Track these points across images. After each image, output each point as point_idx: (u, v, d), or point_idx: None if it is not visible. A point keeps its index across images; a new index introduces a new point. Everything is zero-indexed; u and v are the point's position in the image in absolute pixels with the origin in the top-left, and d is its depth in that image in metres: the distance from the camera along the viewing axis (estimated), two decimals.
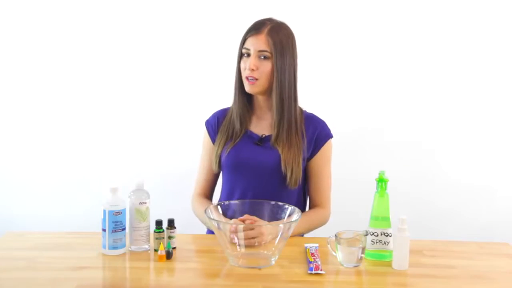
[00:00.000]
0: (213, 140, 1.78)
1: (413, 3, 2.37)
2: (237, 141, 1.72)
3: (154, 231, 1.52)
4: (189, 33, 2.39)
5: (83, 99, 2.44)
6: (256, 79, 1.65)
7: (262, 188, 1.69)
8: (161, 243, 1.48)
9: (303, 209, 1.79)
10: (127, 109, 2.44)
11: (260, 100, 1.73)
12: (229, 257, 1.43)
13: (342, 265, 1.42)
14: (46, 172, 2.47)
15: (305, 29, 2.35)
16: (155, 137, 2.44)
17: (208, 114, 1.84)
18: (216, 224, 1.41)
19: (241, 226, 1.40)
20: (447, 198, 2.44)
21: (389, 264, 1.43)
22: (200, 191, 1.82)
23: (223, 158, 1.73)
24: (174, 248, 1.51)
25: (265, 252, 1.42)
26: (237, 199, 1.71)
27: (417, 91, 2.41)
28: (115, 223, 1.47)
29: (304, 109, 1.78)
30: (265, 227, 1.45)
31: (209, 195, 1.83)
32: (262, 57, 1.64)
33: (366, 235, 1.45)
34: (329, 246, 1.47)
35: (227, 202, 1.57)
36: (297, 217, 1.44)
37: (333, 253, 1.46)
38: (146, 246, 1.52)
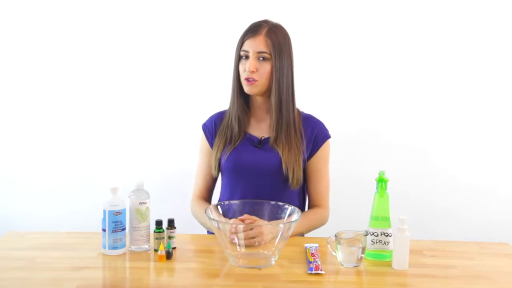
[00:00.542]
0: (211, 143, 1.78)
1: (412, 3, 2.36)
2: (236, 144, 1.72)
3: (154, 231, 1.52)
4: (188, 34, 2.39)
5: (83, 99, 2.44)
6: (256, 80, 1.65)
7: (263, 190, 1.69)
8: (161, 243, 1.48)
9: (303, 209, 1.79)
10: (127, 109, 2.44)
11: (258, 101, 1.74)
12: (229, 257, 1.43)
13: (342, 265, 1.42)
14: (46, 172, 2.47)
15: (305, 29, 2.36)
16: (155, 138, 2.44)
17: (208, 115, 1.84)
18: (216, 224, 1.41)
19: (241, 227, 1.39)
20: (447, 198, 2.44)
21: (389, 264, 1.43)
22: (199, 194, 1.81)
23: (222, 162, 1.73)
24: (174, 248, 1.51)
25: (265, 252, 1.42)
26: (238, 199, 1.71)
27: (417, 91, 2.41)
28: (115, 223, 1.47)
29: (301, 110, 1.79)
30: (265, 226, 1.45)
31: (208, 198, 1.83)
32: (261, 58, 1.65)
33: (366, 235, 1.45)
34: (329, 246, 1.47)
35: (227, 202, 1.57)
36: (297, 217, 1.44)
37: (333, 253, 1.46)
38: (146, 246, 1.52)
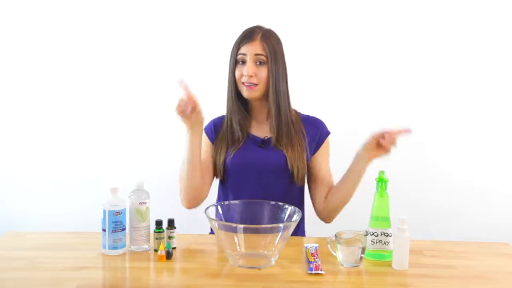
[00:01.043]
0: (211, 138, 1.79)
1: (411, 2, 2.36)
2: (240, 145, 1.73)
3: (154, 231, 1.52)
4: (188, 36, 2.39)
5: (83, 99, 2.44)
6: (256, 85, 1.68)
7: (268, 188, 1.70)
8: (161, 243, 1.48)
9: (302, 209, 1.80)
10: (127, 109, 2.44)
11: (257, 105, 1.76)
12: (229, 257, 1.43)
13: (342, 265, 1.42)
14: (46, 172, 2.47)
15: (305, 30, 2.36)
16: (155, 137, 2.44)
17: (207, 115, 1.84)
18: (216, 224, 1.41)
19: (241, 227, 1.39)
20: (447, 198, 2.44)
21: (389, 264, 1.43)
22: None
23: (228, 162, 1.73)
24: (174, 248, 1.52)
25: (265, 252, 1.42)
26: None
27: (418, 91, 2.41)
28: (115, 223, 1.47)
29: (299, 110, 1.81)
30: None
31: None
32: (258, 62, 1.68)
33: (366, 235, 1.45)
34: (329, 246, 1.47)
35: (227, 202, 1.57)
36: (297, 217, 1.44)
37: (333, 253, 1.46)
38: (146, 246, 1.52)
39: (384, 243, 1.46)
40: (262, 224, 1.52)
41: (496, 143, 2.43)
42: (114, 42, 2.40)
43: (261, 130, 1.77)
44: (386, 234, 1.46)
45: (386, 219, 1.47)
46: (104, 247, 1.49)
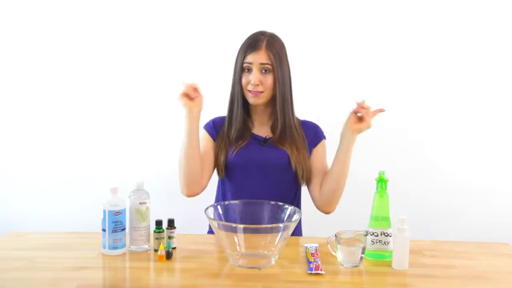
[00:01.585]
0: (211, 134, 1.80)
1: (410, 2, 2.37)
2: (243, 143, 1.75)
3: (154, 231, 1.52)
4: (188, 36, 2.39)
5: (83, 99, 2.44)
6: (262, 92, 1.71)
7: (269, 187, 1.72)
8: (161, 243, 1.48)
9: (299, 206, 1.82)
10: (127, 109, 2.44)
11: (260, 109, 1.78)
12: (229, 257, 1.43)
13: (342, 265, 1.42)
14: (46, 172, 2.47)
15: (305, 30, 2.36)
16: (155, 137, 2.44)
17: (207, 115, 1.84)
18: (216, 224, 1.41)
19: (241, 227, 1.39)
20: (447, 198, 2.44)
21: (389, 264, 1.43)
22: None
23: (230, 159, 1.75)
24: (174, 248, 1.52)
25: (265, 252, 1.42)
26: (244, 198, 1.72)
27: (418, 91, 2.41)
28: (115, 223, 1.47)
29: (295, 114, 1.82)
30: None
31: None
32: (264, 70, 1.70)
33: (366, 235, 1.45)
34: (329, 246, 1.47)
35: (226, 202, 1.57)
36: (297, 217, 1.44)
37: (333, 253, 1.46)
38: (146, 246, 1.52)
39: (384, 243, 1.46)
40: (262, 224, 1.52)
41: (496, 143, 2.43)
42: (114, 43, 2.40)
43: (263, 130, 1.79)
44: (386, 234, 1.46)
45: (386, 219, 1.47)
46: (104, 247, 1.49)
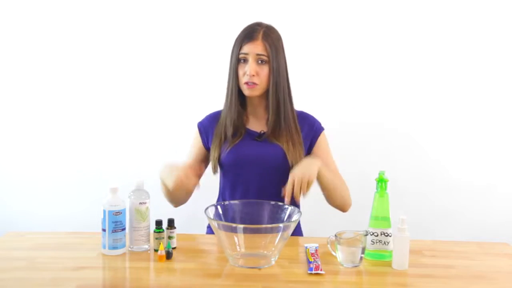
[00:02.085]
0: (203, 140, 1.80)
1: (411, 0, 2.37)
2: (237, 140, 1.74)
3: (154, 231, 1.52)
4: (187, 36, 2.39)
5: (83, 99, 2.44)
6: (257, 84, 1.69)
7: (264, 183, 1.71)
8: (161, 243, 1.48)
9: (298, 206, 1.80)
10: (127, 109, 2.44)
11: (256, 101, 1.77)
12: (229, 257, 1.43)
13: (342, 265, 1.42)
14: (46, 172, 2.47)
15: (307, 29, 2.36)
16: (155, 137, 2.44)
17: (205, 110, 1.84)
18: (216, 224, 1.41)
19: (241, 227, 1.39)
20: (447, 198, 2.44)
21: (389, 264, 1.43)
22: None
23: (223, 157, 1.74)
24: (174, 248, 1.52)
25: (265, 252, 1.42)
26: (240, 196, 1.73)
27: (418, 91, 2.41)
28: (115, 223, 1.47)
29: (295, 107, 1.81)
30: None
31: None
32: (260, 61, 1.69)
33: (366, 235, 1.45)
34: (329, 246, 1.47)
35: (226, 202, 1.57)
36: (297, 217, 1.44)
37: (333, 253, 1.46)
38: (146, 246, 1.52)
39: (384, 243, 1.46)
40: (262, 224, 1.52)
41: (496, 143, 2.43)
42: (114, 42, 2.40)
43: (258, 124, 1.78)
44: (386, 234, 1.46)
45: (386, 219, 1.47)
46: (104, 247, 1.49)
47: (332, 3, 2.37)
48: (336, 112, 2.38)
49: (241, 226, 1.39)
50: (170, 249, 1.47)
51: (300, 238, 1.70)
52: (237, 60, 1.71)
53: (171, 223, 1.53)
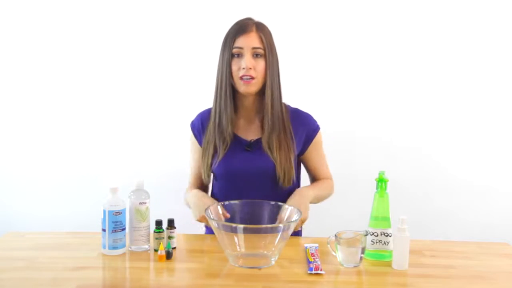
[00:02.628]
0: (200, 142, 1.77)
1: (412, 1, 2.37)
2: (226, 149, 1.69)
3: (154, 231, 1.52)
4: (187, 35, 2.39)
5: (83, 99, 2.44)
6: (254, 78, 1.63)
7: (256, 192, 1.65)
8: (161, 243, 1.48)
9: None
10: (127, 109, 2.44)
11: (249, 101, 1.70)
12: (229, 257, 1.43)
13: (342, 265, 1.42)
14: (46, 172, 2.47)
15: (308, 29, 2.36)
16: (155, 137, 2.44)
17: (196, 109, 1.84)
18: (216, 224, 1.41)
19: (241, 227, 1.39)
20: (447, 198, 2.44)
21: (389, 264, 1.43)
22: (194, 184, 1.82)
23: (214, 168, 1.71)
24: (174, 248, 1.52)
25: (265, 252, 1.42)
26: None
27: (417, 91, 2.41)
28: (115, 223, 1.47)
29: (287, 103, 1.78)
30: None
31: (202, 188, 1.82)
32: (255, 55, 1.64)
33: (366, 235, 1.45)
34: (329, 246, 1.47)
35: (227, 202, 1.56)
36: (297, 217, 1.44)
37: (333, 253, 1.46)
38: (146, 246, 1.52)
39: (384, 243, 1.46)
40: (262, 224, 1.52)
41: (496, 143, 2.43)
42: (114, 42, 2.41)
43: (249, 130, 1.72)
44: (386, 234, 1.46)
45: (386, 219, 1.47)
46: (104, 247, 1.49)
47: (328, 4, 2.38)
48: (336, 112, 2.38)
49: (241, 226, 1.39)
50: (170, 249, 1.47)
51: (300, 238, 1.70)
52: (231, 56, 1.64)
53: (171, 223, 1.53)
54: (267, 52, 1.64)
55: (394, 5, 2.36)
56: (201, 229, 1.87)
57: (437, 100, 2.41)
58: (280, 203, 1.55)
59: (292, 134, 1.72)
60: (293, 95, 1.82)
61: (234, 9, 2.30)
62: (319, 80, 2.40)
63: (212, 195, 1.81)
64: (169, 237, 1.52)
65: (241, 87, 1.65)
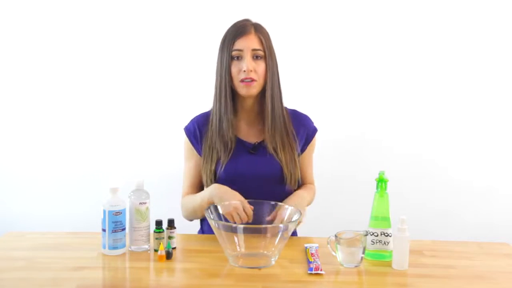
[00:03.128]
0: (197, 149, 1.73)
1: (413, 2, 2.37)
2: (231, 153, 1.66)
3: (154, 231, 1.52)
4: (188, 34, 2.39)
5: (83, 99, 2.44)
6: (255, 80, 1.62)
7: (262, 195, 1.62)
8: (161, 243, 1.48)
9: None
10: (127, 109, 2.44)
11: (249, 104, 1.69)
12: (229, 257, 1.43)
13: (342, 265, 1.42)
14: (46, 172, 2.47)
15: (308, 30, 2.36)
16: (155, 137, 2.44)
17: (193, 112, 1.83)
18: (216, 224, 1.41)
19: (241, 227, 1.39)
20: (447, 198, 2.44)
21: (389, 264, 1.43)
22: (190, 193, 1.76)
23: (219, 173, 1.67)
24: (174, 248, 1.52)
25: (265, 252, 1.42)
26: None
27: (417, 91, 2.41)
28: (115, 223, 1.47)
29: (285, 105, 1.76)
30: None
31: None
32: (255, 56, 1.62)
33: (366, 235, 1.45)
34: (329, 246, 1.47)
35: (227, 203, 1.56)
36: (297, 217, 1.44)
37: (333, 253, 1.46)
38: (146, 246, 1.52)
39: (384, 243, 1.46)
40: (262, 224, 1.52)
41: (496, 143, 2.43)
42: (114, 42, 2.40)
43: (251, 133, 1.71)
44: (386, 234, 1.46)
45: (386, 219, 1.47)
46: (104, 247, 1.49)
47: (327, 4, 2.38)
48: (336, 112, 2.38)
49: (241, 226, 1.39)
50: (170, 249, 1.47)
51: (300, 238, 1.70)
52: (230, 58, 1.62)
53: (171, 223, 1.53)
54: (267, 54, 1.63)
55: (392, 7, 2.36)
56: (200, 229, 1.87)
57: (437, 101, 2.41)
58: (280, 203, 1.55)
59: (294, 134, 1.72)
60: (295, 97, 1.82)
61: (232, 10, 2.31)
62: (320, 82, 2.40)
63: None
64: (169, 237, 1.52)
65: (242, 90, 1.63)
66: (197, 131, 1.74)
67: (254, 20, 1.70)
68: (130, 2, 2.39)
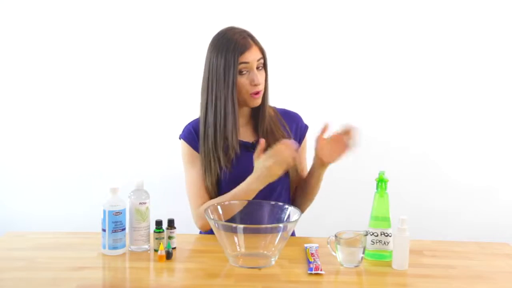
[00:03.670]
0: (198, 150, 1.71)
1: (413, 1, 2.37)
2: (232, 156, 1.66)
3: (154, 231, 1.52)
4: (189, 35, 2.39)
5: (83, 99, 2.44)
6: (261, 91, 1.64)
7: (270, 192, 1.65)
8: (161, 243, 1.48)
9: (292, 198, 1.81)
10: (127, 109, 2.44)
11: (245, 110, 1.71)
12: (229, 257, 1.43)
13: (342, 265, 1.42)
14: (46, 172, 2.47)
15: (306, 30, 2.36)
16: (155, 137, 2.44)
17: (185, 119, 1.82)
18: (216, 224, 1.41)
19: (241, 227, 1.39)
20: (447, 198, 2.44)
21: (389, 264, 1.43)
22: (205, 198, 1.71)
23: (224, 176, 1.66)
24: (174, 248, 1.52)
25: (265, 252, 1.42)
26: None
27: (417, 91, 2.41)
28: (115, 223, 1.47)
29: (273, 105, 1.78)
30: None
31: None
32: (258, 67, 1.63)
33: (366, 235, 1.45)
34: (329, 246, 1.47)
35: (226, 202, 1.57)
36: (297, 217, 1.44)
37: (333, 253, 1.46)
38: (146, 246, 1.52)
39: (384, 243, 1.46)
40: (262, 224, 1.52)
41: (496, 144, 2.43)
42: (114, 43, 2.40)
43: (246, 133, 1.72)
44: (386, 234, 1.46)
45: (386, 219, 1.47)
46: (104, 247, 1.49)
47: (324, 5, 2.37)
48: (337, 112, 2.38)
49: (241, 226, 1.39)
50: (170, 249, 1.47)
51: (300, 238, 1.70)
52: (238, 73, 1.60)
53: (171, 223, 1.53)
54: (266, 62, 1.66)
55: (388, 5, 2.36)
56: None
57: (437, 101, 2.41)
58: (280, 203, 1.55)
59: (288, 129, 1.75)
60: (295, 97, 1.83)
61: (231, 11, 2.30)
62: (320, 81, 2.40)
63: None
64: (169, 237, 1.52)
65: (251, 102, 1.65)
66: (194, 134, 1.72)
67: (243, 24, 1.69)
68: (131, 4, 2.38)
